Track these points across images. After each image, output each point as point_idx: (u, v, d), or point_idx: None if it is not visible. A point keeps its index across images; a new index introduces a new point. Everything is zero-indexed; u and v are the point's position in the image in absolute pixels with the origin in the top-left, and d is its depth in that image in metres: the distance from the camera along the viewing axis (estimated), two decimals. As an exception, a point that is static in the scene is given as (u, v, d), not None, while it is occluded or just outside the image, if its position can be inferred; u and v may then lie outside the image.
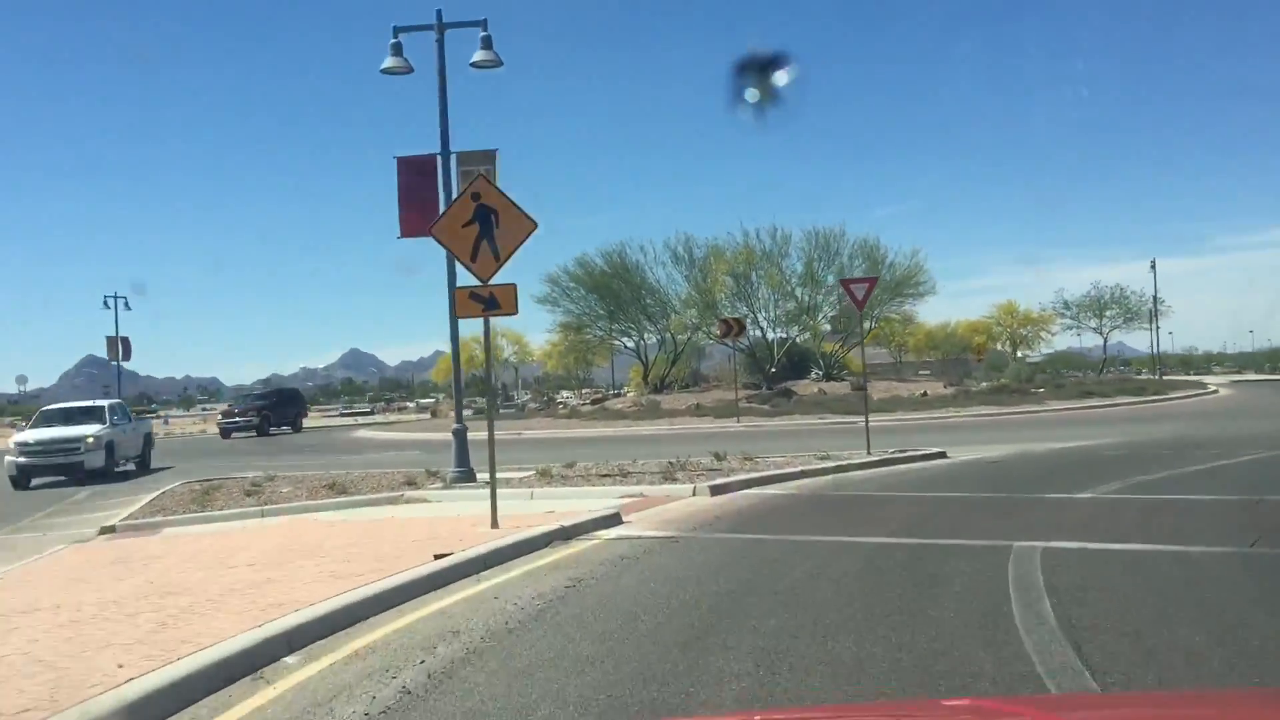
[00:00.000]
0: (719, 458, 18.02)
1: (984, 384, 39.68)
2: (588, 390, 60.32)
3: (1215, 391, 41.02)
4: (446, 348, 53.98)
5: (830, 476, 15.94)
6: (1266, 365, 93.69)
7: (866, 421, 19.78)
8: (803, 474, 16.01)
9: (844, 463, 17.18)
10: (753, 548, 9.57)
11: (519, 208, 10.87)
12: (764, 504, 12.87)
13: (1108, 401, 35.90)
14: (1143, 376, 51.85)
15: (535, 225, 10.84)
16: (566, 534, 10.52)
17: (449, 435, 17.73)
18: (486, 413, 10.54)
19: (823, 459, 17.86)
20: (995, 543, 8.90)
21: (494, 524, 10.60)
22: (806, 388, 41.96)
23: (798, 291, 47.16)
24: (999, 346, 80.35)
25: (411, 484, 16.96)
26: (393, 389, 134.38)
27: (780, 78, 6.45)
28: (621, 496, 14.01)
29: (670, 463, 17.01)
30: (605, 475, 16.33)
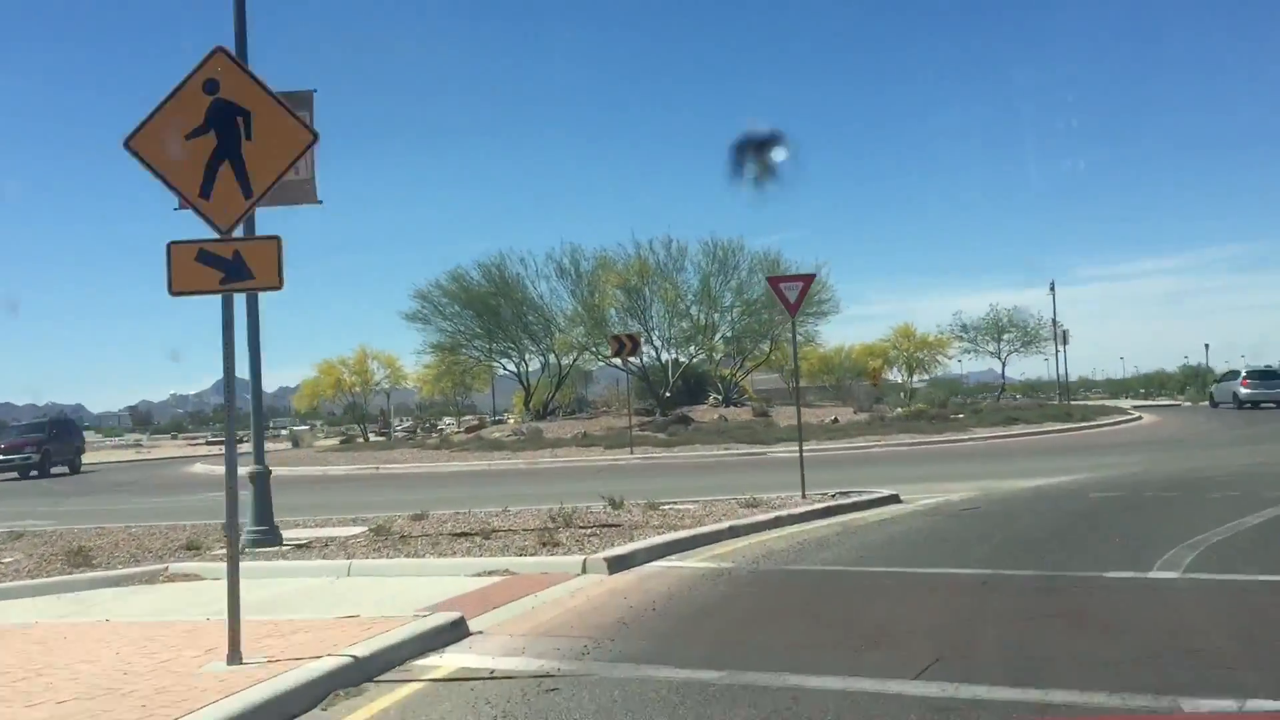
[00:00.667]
0: (615, 504, 13.77)
1: (899, 410, 36.22)
2: (470, 418, 55.28)
3: (1139, 418, 38.41)
4: (321, 371, 48.02)
5: (768, 535, 11.78)
6: (1178, 390, 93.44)
7: (801, 457, 15.78)
8: (732, 532, 11.82)
9: (780, 513, 13.06)
10: (690, 702, 5.27)
11: (287, 108, 6.44)
12: (690, 593, 8.57)
13: (1036, 429, 32.78)
14: (1055, 402, 49.29)
15: (314, 136, 6.43)
16: (364, 671, 6.06)
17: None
18: (226, 446, 5.63)
19: (749, 506, 13.75)
20: (1103, 699, 4.84)
21: (233, 655, 6.05)
22: (705, 414, 37.98)
23: (693, 310, 43.30)
24: (894, 371, 78.30)
25: (193, 548, 12.24)
26: (271, 415, 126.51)
27: None
28: (478, 574, 9.61)
29: (552, 515, 12.68)
30: (462, 535, 11.84)
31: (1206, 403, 48.67)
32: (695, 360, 44.68)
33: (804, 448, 16.49)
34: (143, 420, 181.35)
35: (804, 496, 14.55)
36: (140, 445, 74.91)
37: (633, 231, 71.15)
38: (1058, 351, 56.73)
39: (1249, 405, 41.36)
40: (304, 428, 71.19)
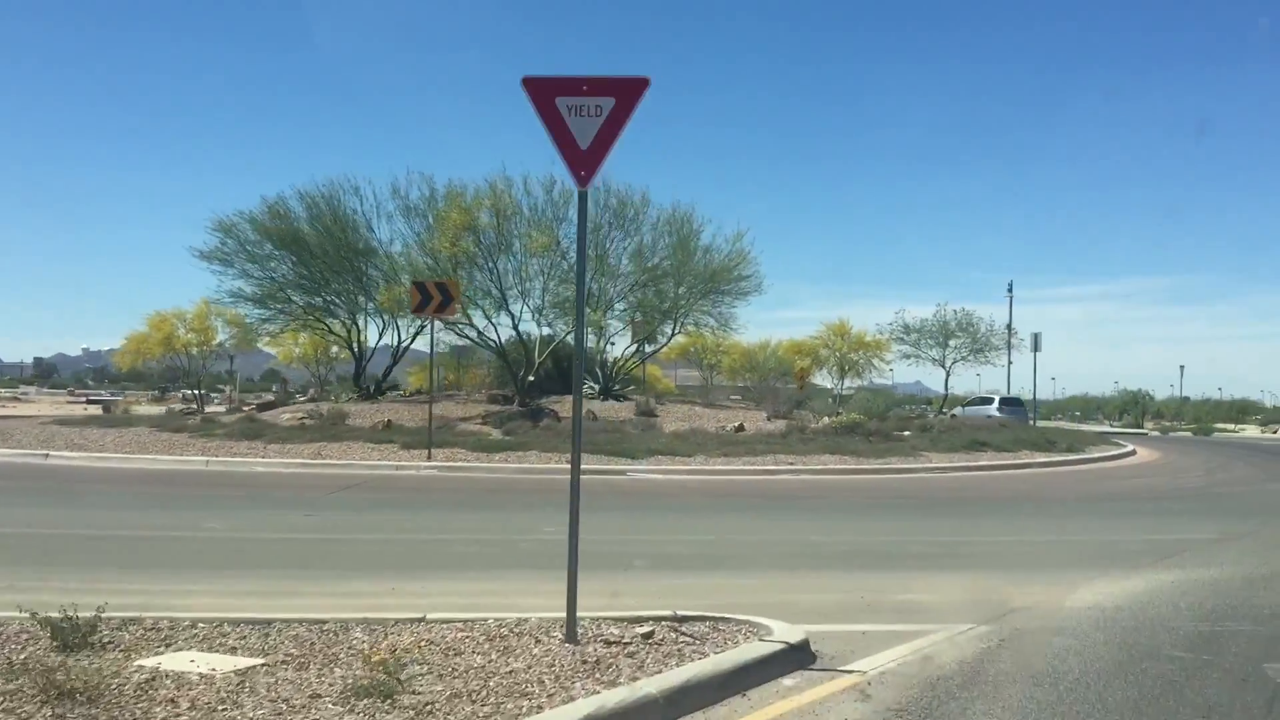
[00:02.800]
0: None
1: (826, 420, 27.10)
2: (292, 393, 44.90)
3: (1132, 451, 29.78)
4: (152, 325, 36.55)
5: None
6: (1116, 415, 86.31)
7: (573, 545, 6.38)
8: None
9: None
10: None
11: None
12: None
13: (1010, 459, 23.86)
14: (1029, 422, 40.71)
15: None
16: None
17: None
18: None
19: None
20: None
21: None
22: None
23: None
24: (824, 373, 69.62)
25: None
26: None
27: None
28: None
29: None
30: None
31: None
32: (572, 338, 35.14)
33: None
34: (46, 373, 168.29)
35: (566, 640, 5.24)
36: (19, 399, 68.71)
37: (504, 165, 58.17)
38: (1010, 362, 48.21)
39: None
40: (117, 397, 60.18)
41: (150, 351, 40.03)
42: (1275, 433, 55.98)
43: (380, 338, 36.56)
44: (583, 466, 16.81)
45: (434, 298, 19.74)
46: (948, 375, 57.34)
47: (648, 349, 39.43)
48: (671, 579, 8.92)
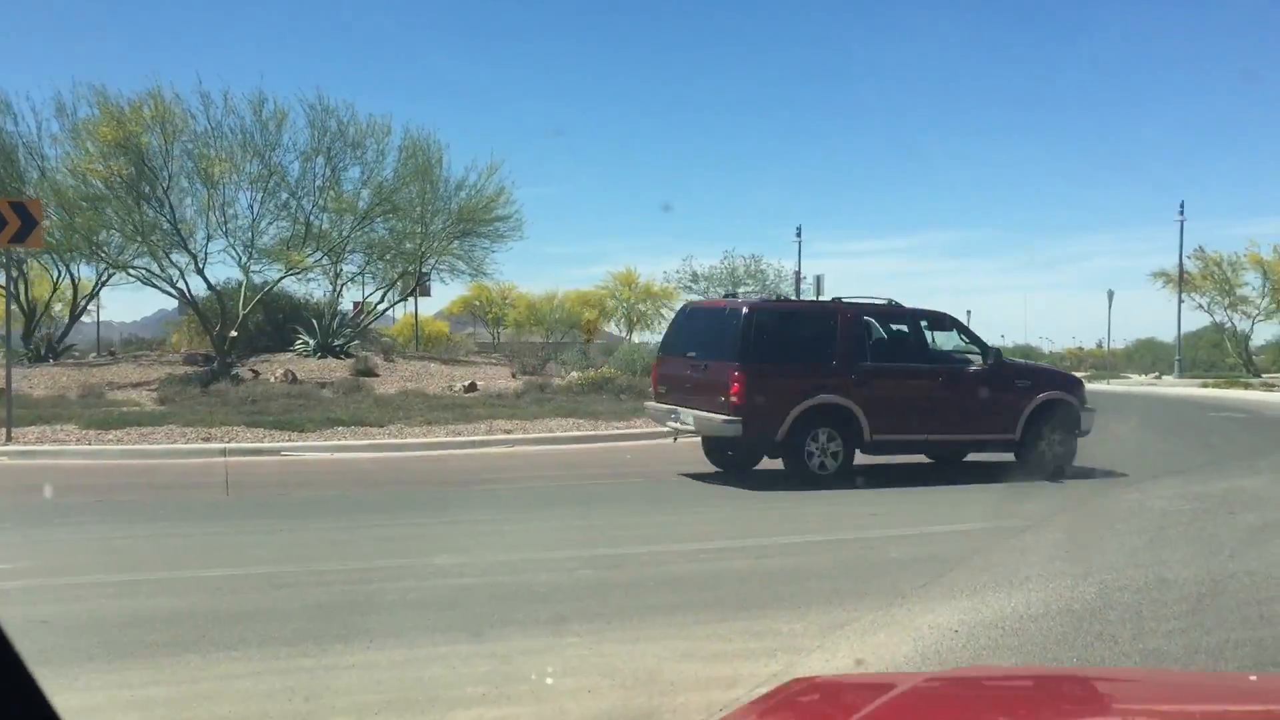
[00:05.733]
0: None
1: (574, 374, 23.08)
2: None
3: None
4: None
5: None
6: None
7: None
8: None
9: None
10: None
11: None
12: None
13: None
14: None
15: None
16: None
17: None
18: None
19: None
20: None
21: None
22: (286, 365, 23.72)
23: (300, 206, 28.63)
24: (613, 325, 66.16)
25: None
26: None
27: None
28: None
29: None
30: None
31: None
32: (307, 287, 30.06)
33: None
34: None
35: None
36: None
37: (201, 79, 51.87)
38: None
39: None
40: None
41: None
42: (1057, 377, 55.80)
43: (55, 289, 30.43)
44: (233, 445, 11.92)
45: (9, 222, 14.47)
46: (736, 325, 54.86)
47: (396, 299, 34.68)
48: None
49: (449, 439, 15.91)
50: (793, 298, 39.77)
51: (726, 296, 14.63)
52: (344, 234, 29.11)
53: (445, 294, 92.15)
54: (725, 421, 11.45)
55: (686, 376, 12.25)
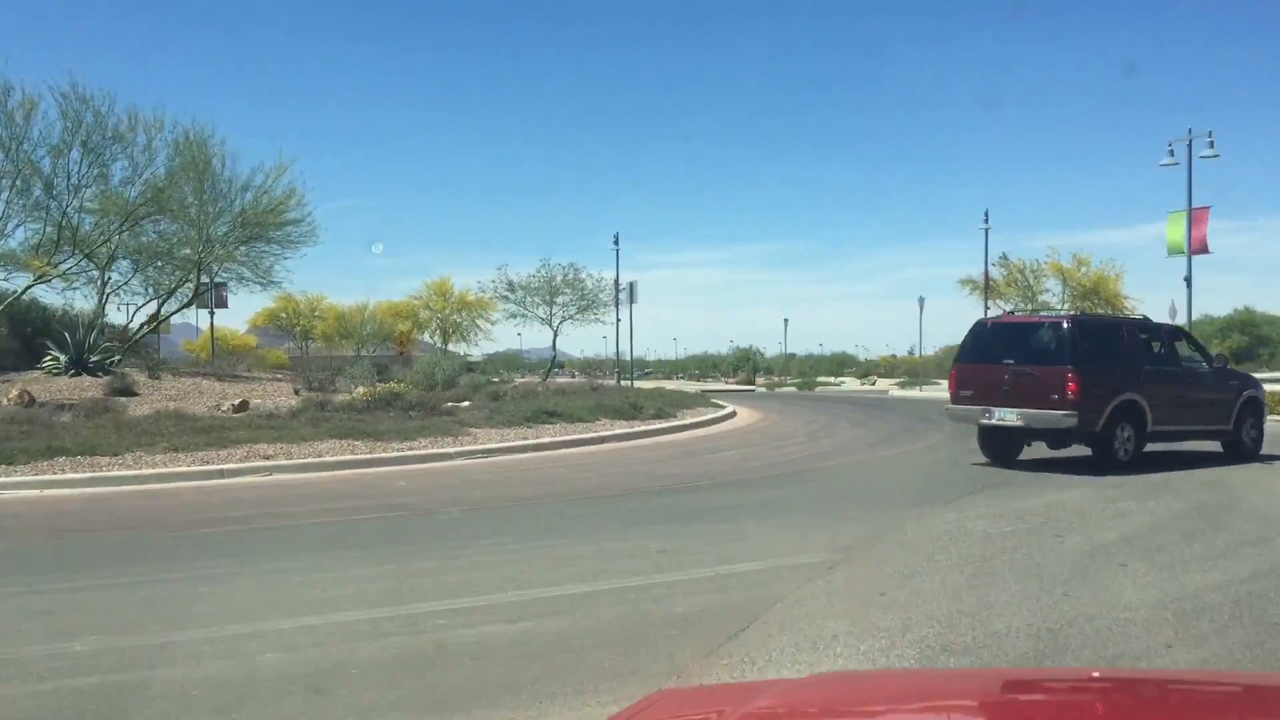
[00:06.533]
0: None
1: (360, 390, 20.91)
2: None
3: (732, 412, 26.01)
4: None
5: None
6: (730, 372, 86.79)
7: None
8: None
9: None
10: None
11: None
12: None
13: (584, 431, 18.97)
14: (609, 383, 36.76)
15: None
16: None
17: None
18: None
19: None
20: None
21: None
22: (28, 384, 20.72)
23: (56, 205, 25.60)
24: (429, 337, 63.41)
25: None
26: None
27: None
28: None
29: None
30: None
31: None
32: (42, 290, 26.89)
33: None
34: None
35: None
36: None
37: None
38: (619, 319, 44.38)
39: None
40: None
41: None
42: (873, 384, 56.69)
43: None
44: None
45: None
46: (555, 335, 53.22)
47: (175, 309, 31.73)
48: None
49: (194, 468, 13.72)
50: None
51: (1012, 312, 17.00)
52: (108, 236, 26.18)
53: (251, 304, 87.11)
54: (1064, 415, 13.32)
55: (1003, 380, 13.92)
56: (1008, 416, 13.84)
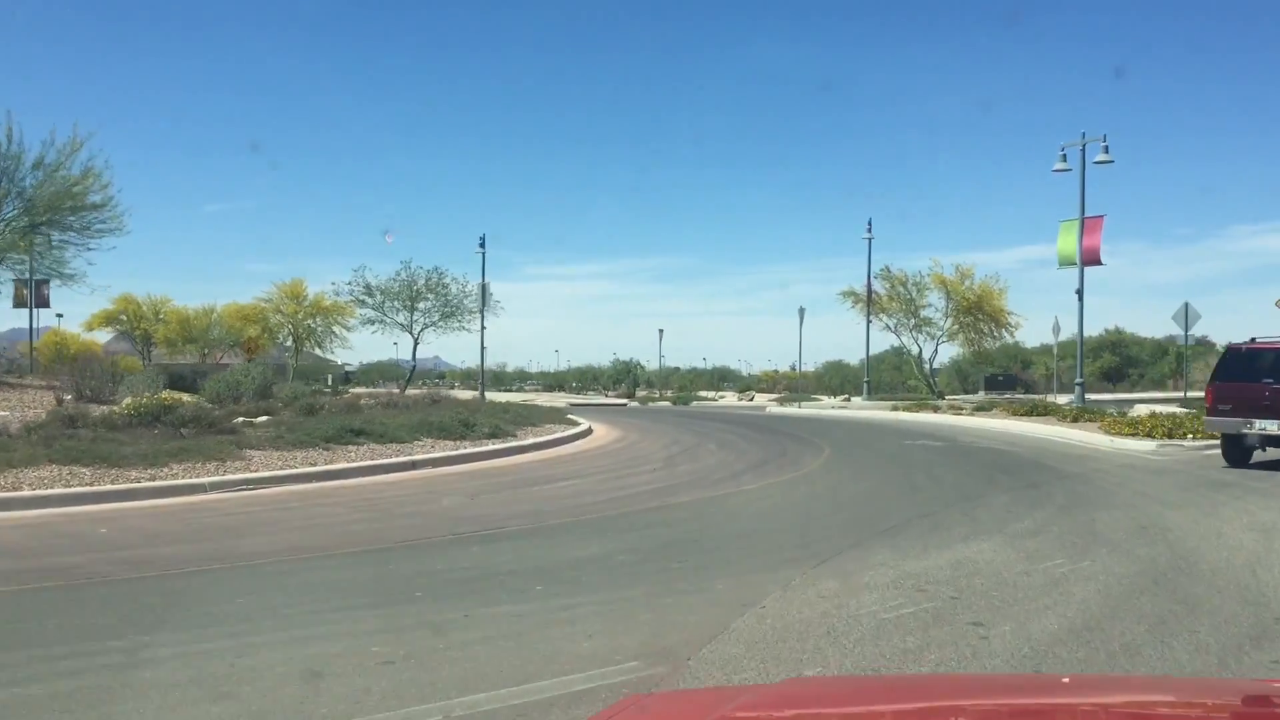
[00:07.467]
0: None
1: (126, 404, 17.20)
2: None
3: (587, 430, 22.97)
4: None
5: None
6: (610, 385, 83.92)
7: None
8: None
9: None
10: None
11: None
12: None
13: (395, 454, 15.70)
14: (463, 395, 33.51)
15: None
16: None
17: None
18: None
19: None
20: None
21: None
22: None
23: None
24: (283, 341, 58.81)
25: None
26: None
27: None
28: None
29: None
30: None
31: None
32: None
33: None
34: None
35: None
36: None
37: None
38: (484, 326, 40.88)
39: None
40: None
41: None
42: (751, 399, 54.48)
43: None
44: None
45: None
46: (416, 343, 49.52)
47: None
48: None
49: None
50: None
51: (1254, 340, 17.25)
52: None
53: (88, 305, 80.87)
54: None
55: (1264, 396, 15.86)
56: (1269, 426, 15.83)
